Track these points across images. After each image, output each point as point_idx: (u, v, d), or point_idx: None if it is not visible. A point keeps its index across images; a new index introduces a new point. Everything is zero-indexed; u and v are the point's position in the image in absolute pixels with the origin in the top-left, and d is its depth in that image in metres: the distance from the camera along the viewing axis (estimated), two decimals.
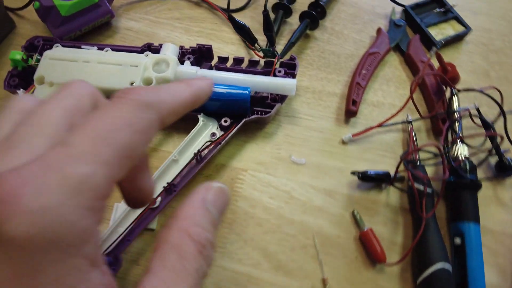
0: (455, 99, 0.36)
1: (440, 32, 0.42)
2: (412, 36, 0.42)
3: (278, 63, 0.38)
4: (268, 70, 0.37)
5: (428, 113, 0.38)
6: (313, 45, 0.43)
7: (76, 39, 0.42)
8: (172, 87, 0.16)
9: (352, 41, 0.43)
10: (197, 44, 0.38)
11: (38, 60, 0.37)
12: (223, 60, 0.39)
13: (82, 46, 0.38)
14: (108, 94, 0.35)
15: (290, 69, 0.37)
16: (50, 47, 0.38)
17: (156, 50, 0.38)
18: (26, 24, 0.45)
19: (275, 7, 0.43)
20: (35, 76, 0.35)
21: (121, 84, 0.34)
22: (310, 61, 0.42)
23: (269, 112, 0.35)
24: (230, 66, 0.38)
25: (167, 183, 0.32)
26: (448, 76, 0.35)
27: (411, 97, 0.34)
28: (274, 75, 0.36)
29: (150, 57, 0.36)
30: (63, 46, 0.38)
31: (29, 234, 0.10)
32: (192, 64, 0.37)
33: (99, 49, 0.38)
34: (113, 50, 0.38)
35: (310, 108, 0.39)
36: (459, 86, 0.38)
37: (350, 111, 0.37)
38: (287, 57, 0.38)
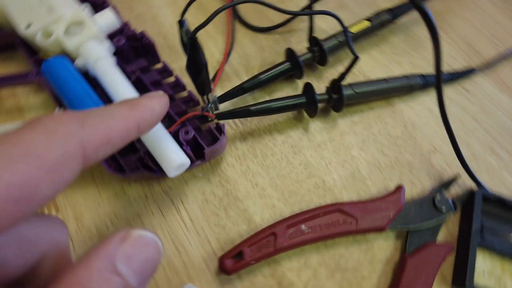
0: None
1: (493, 273, 0.22)
2: (444, 241, 0.23)
3: (214, 122, 0.25)
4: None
5: None
6: (293, 134, 0.27)
7: None
8: (110, 110, 0.13)
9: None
10: (141, 32, 0.27)
11: None
12: (163, 71, 0.27)
13: None
14: (4, 21, 0.29)
15: (211, 140, 0.24)
16: None
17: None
18: None
19: (287, 53, 0.29)
20: None
21: (19, 16, 0.26)
22: (261, 157, 0.26)
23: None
24: (166, 82, 0.27)
25: None
26: None
27: None
28: (175, 134, 0.23)
29: (75, 11, 0.27)
30: None
31: None
32: (122, 54, 0.27)
33: None
34: None
35: (201, 212, 0.24)
36: None
37: (222, 267, 0.21)
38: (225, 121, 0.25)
